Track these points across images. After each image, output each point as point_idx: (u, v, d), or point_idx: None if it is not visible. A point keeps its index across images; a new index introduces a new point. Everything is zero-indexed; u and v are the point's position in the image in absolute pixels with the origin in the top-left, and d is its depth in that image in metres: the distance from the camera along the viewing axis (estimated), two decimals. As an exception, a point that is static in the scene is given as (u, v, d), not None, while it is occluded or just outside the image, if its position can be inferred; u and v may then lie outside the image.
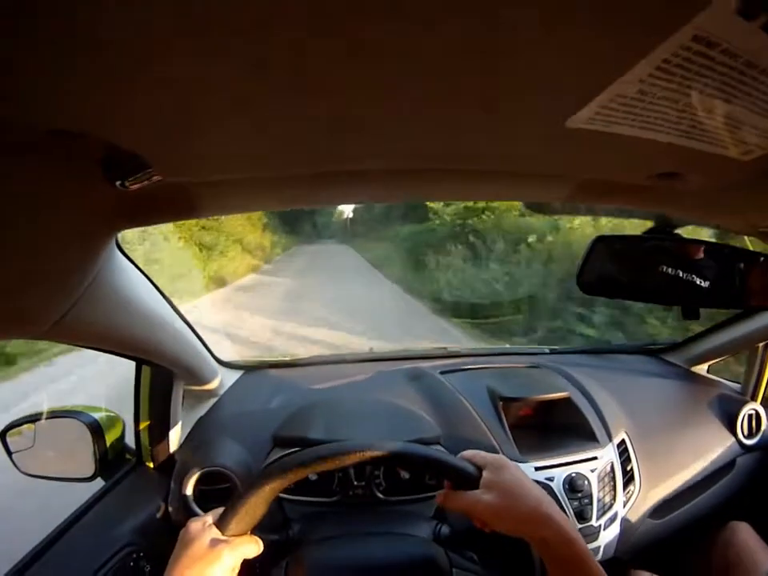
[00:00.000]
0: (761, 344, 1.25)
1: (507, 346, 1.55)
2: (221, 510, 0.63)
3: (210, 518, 0.62)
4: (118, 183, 0.38)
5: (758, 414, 1.23)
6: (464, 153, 0.43)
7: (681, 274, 0.65)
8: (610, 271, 0.66)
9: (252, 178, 0.47)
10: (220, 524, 0.60)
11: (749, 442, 1.21)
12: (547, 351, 1.44)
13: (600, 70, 0.27)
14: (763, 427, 1.23)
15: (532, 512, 0.59)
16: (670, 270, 0.66)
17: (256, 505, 0.62)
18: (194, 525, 0.61)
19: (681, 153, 0.39)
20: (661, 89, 0.29)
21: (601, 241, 0.65)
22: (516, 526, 0.59)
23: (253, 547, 0.60)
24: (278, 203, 0.62)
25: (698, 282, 0.64)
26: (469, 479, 0.63)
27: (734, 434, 1.20)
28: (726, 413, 1.22)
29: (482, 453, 0.67)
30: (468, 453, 0.68)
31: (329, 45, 0.24)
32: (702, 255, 0.64)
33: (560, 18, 0.23)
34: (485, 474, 0.63)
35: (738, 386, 1.34)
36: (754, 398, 1.28)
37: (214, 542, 0.58)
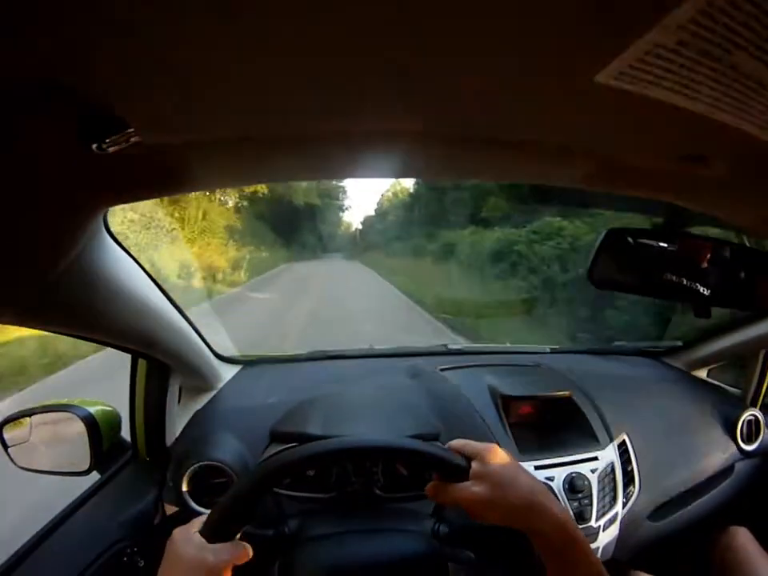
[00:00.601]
0: (762, 350, 1.26)
1: (508, 344, 1.52)
2: (205, 516, 0.61)
3: (194, 526, 0.60)
4: (95, 146, 0.35)
5: (757, 419, 1.23)
6: (474, 118, 0.39)
7: (692, 272, 0.64)
8: (622, 265, 0.66)
9: (238, 143, 0.43)
10: (204, 531, 0.58)
11: (748, 448, 1.21)
12: (548, 351, 1.44)
13: (635, 15, 0.24)
14: (762, 433, 1.23)
15: (524, 501, 0.58)
16: (681, 266, 0.65)
17: (240, 510, 0.60)
18: (180, 533, 0.59)
19: (711, 130, 0.35)
20: (702, 41, 0.25)
21: (612, 234, 0.64)
22: (508, 516, 0.58)
23: (240, 553, 0.58)
24: (266, 175, 0.57)
25: (710, 281, 0.64)
26: (457, 470, 0.62)
27: (734, 439, 1.20)
28: (726, 418, 1.22)
29: (472, 442, 0.65)
30: (456, 443, 0.66)
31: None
32: (715, 253, 0.63)
33: None
34: (474, 464, 0.62)
35: (738, 391, 1.34)
36: (753, 404, 1.28)
37: (200, 551, 0.56)
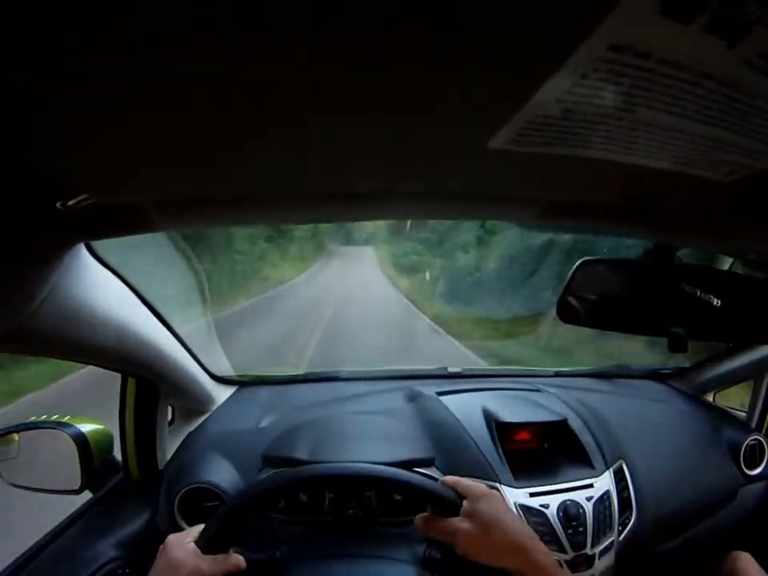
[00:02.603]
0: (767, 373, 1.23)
1: (511, 367, 1.51)
2: (201, 527, 0.64)
3: (189, 535, 0.63)
4: (58, 204, 0.38)
5: (761, 444, 1.20)
6: (411, 179, 0.42)
7: (670, 304, 0.62)
8: (595, 299, 0.64)
9: (194, 197, 0.45)
10: (200, 542, 0.61)
11: (751, 473, 1.18)
12: (551, 373, 1.42)
13: (507, 90, 0.24)
14: (766, 457, 1.20)
15: (510, 543, 0.59)
16: (658, 298, 0.63)
17: (234, 523, 0.63)
18: (174, 541, 0.62)
19: (654, 174, 0.35)
20: (592, 107, 0.25)
21: (586, 264, 0.62)
22: (494, 556, 0.60)
23: (232, 565, 0.61)
24: (229, 222, 0.61)
25: (692, 313, 0.61)
26: (449, 507, 0.64)
27: (737, 463, 1.17)
28: (730, 442, 1.19)
29: (464, 480, 0.67)
30: (450, 479, 0.68)
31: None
32: (696, 283, 0.61)
33: (450, 42, 0.20)
34: (465, 503, 0.64)
35: (745, 414, 1.31)
36: (759, 428, 1.25)
37: (193, 560, 0.59)
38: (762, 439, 1.20)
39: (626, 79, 0.22)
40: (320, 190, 0.45)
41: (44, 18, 0.18)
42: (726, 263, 0.77)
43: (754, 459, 1.19)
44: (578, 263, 0.63)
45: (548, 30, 0.19)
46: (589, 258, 0.63)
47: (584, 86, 0.23)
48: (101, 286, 0.61)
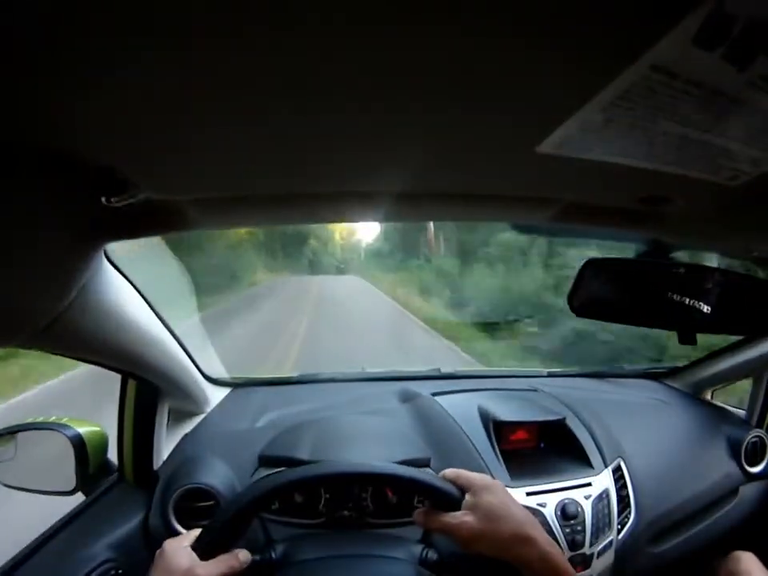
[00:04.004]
0: (766, 371, 1.22)
1: (504, 368, 1.51)
2: (198, 531, 0.63)
3: (186, 539, 0.62)
4: (103, 200, 0.40)
5: (762, 441, 1.19)
6: (442, 179, 0.44)
7: (676, 299, 0.64)
8: (603, 294, 0.65)
9: (238, 196, 0.48)
10: (197, 546, 0.60)
11: (753, 470, 1.17)
12: (545, 374, 1.41)
13: (562, 99, 0.28)
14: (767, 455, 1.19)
15: (514, 535, 0.59)
16: (665, 293, 0.65)
17: (232, 527, 0.62)
18: (171, 546, 0.61)
19: (665, 178, 0.39)
20: (627, 117, 0.29)
21: (592, 264, 0.64)
22: (497, 547, 0.59)
23: (229, 566, 0.60)
24: (268, 220, 0.63)
25: (694, 307, 0.63)
26: (451, 500, 0.63)
27: (738, 461, 1.16)
28: (730, 440, 1.19)
29: (466, 473, 0.66)
30: (450, 472, 0.67)
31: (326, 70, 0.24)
32: (698, 279, 0.63)
33: (517, 52, 0.23)
34: (467, 496, 0.63)
35: (744, 412, 1.30)
36: (759, 425, 1.24)
37: (190, 565, 0.58)
38: (763, 436, 1.19)
39: (657, 96, 0.27)
40: (365, 189, 0.47)
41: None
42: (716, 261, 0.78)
43: (755, 456, 1.18)
44: (584, 262, 0.64)
45: (604, 51, 0.23)
46: (594, 257, 0.65)
47: (625, 98, 0.27)
48: (118, 288, 0.63)
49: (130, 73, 0.24)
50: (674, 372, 1.41)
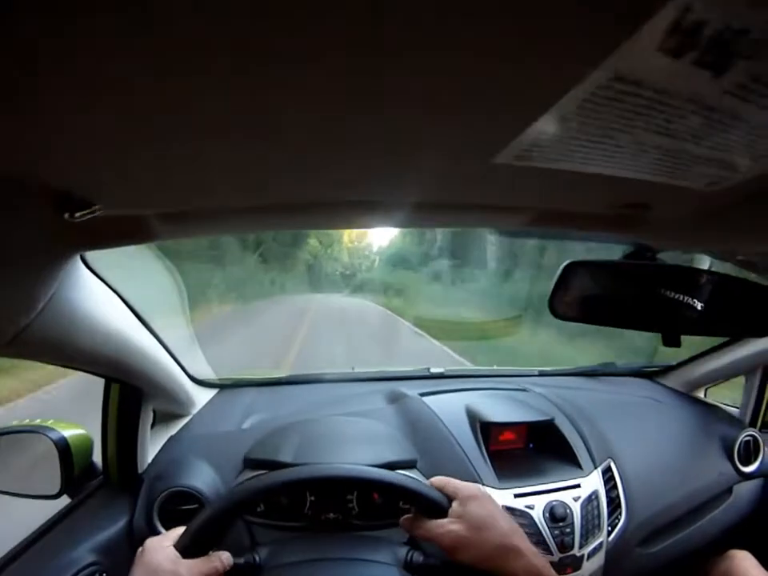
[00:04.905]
0: (759, 368, 1.21)
1: (495, 367, 1.50)
2: (180, 530, 0.64)
3: (168, 538, 0.62)
4: (66, 216, 0.40)
5: (756, 440, 1.18)
6: (410, 188, 0.43)
7: (660, 300, 0.63)
8: (585, 297, 0.64)
9: (201, 209, 0.48)
10: (179, 547, 0.60)
11: (746, 470, 1.16)
12: (536, 373, 1.40)
13: (518, 108, 0.26)
14: (762, 454, 1.18)
15: (500, 545, 0.58)
16: (649, 295, 0.64)
17: (213, 527, 0.63)
18: (152, 544, 0.61)
19: (642, 185, 0.38)
20: (592, 127, 0.28)
21: (573, 266, 0.63)
22: (482, 558, 0.58)
23: (212, 568, 0.60)
24: (236, 229, 0.63)
25: (679, 308, 0.62)
26: (438, 508, 0.63)
27: (731, 461, 1.16)
28: (723, 439, 1.18)
29: (454, 481, 0.66)
30: (439, 480, 0.67)
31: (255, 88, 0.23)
32: (683, 280, 0.62)
33: (470, 63, 0.22)
34: (454, 504, 0.63)
35: (737, 410, 1.29)
36: (753, 424, 1.24)
37: (172, 565, 0.58)
38: (756, 434, 1.18)
39: (622, 104, 0.25)
40: (322, 199, 0.46)
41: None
42: (705, 263, 0.77)
43: (748, 455, 1.17)
44: (564, 265, 0.64)
45: (560, 59, 0.21)
46: (574, 260, 0.64)
47: (586, 109, 0.25)
48: (94, 294, 0.63)
49: (78, 100, 0.24)
50: (666, 370, 1.41)
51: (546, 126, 0.27)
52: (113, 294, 0.70)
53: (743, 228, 0.47)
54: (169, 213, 0.48)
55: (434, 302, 11.70)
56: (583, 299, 0.65)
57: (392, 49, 0.20)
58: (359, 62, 0.21)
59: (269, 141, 0.30)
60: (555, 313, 0.64)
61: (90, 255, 0.61)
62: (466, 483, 0.66)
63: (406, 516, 0.66)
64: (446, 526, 0.60)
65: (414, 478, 0.69)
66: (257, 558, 0.78)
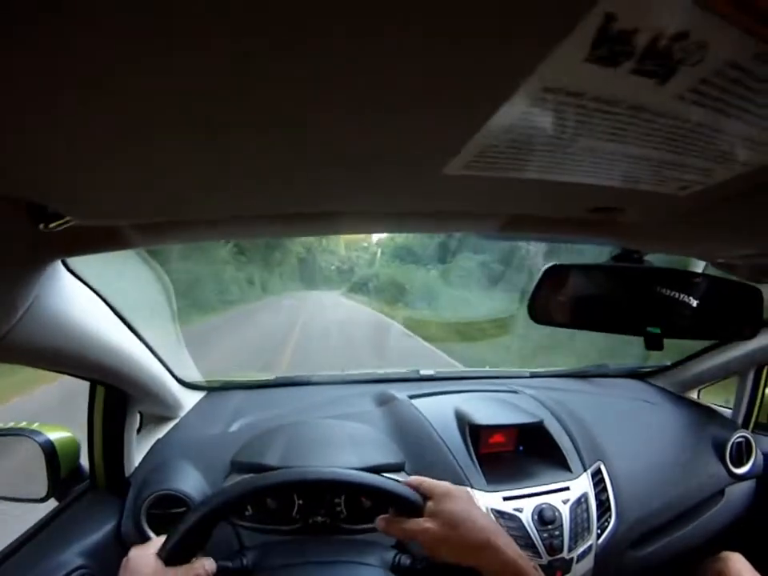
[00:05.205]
0: (752, 368, 1.21)
1: (485, 369, 1.50)
2: (164, 537, 0.63)
3: (152, 547, 0.62)
4: (41, 226, 0.40)
5: (748, 441, 1.18)
6: (372, 200, 0.43)
7: (645, 304, 0.62)
8: (565, 301, 0.64)
9: (175, 220, 0.48)
10: (162, 555, 0.60)
11: (738, 471, 1.16)
12: (527, 375, 1.40)
13: (458, 123, 0.26)
14: (754, 455, 1.18)
15: (477, 541, 0.58)
16: (631, 299, 0.64)
17: (195, 534, 0.62)
18: (136, 554, 0.60)
19: (611, 191, 0.37)
20: (537, 137, 0.27)
21: (553, 270, 0.62)
22: (461, 555, 0.59)
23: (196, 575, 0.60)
24: (209, 238, 0.63)
25: (663, 312, 0.62)
26: (412, 507, 0.63)
27: (724, 462, 1.16)
28: (715, 440, 1.18)
29: (428, 480, 0.66)
30: (414, 479, 0.67)
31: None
32: (667, 283, 0.62)
33: (403, 81, 0.21)
34: (430, 503, 0.63)
35: (731, 411, 1.29)
36: (745, 425, 1.23)
37: (155, 573, 0.58)
38: (748, 436, 1.18)
39: (564, 114, 0.24)
40: (287, 210, 0.46)
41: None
42: (695, 265, 0.76)
43: (740, 457, 1.17)
44: (545, 268, 0.64)
45: (490, 70, 0.21)
46: (556, 263, 0.63)
47: (527, 119, 0.25)
48: (76, 298, 0.62)
49: (43, 115, 0.23)
50: (659, 371, 1.41)
51: (488, 138, 0.27)
52: (97, 298, 0.70)
53: (720, 230, 0.47)
54: (144, 223, 0.48)
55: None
56: (565, 304, 0.64)
57: (339, 61, 0.20)
58: (314, 72, 0.21)
59: (229, 152, 0.30)
60: (535, 318, 0.63)
61: (73, 260, 0.61)
62: (440, 482, 0.66)
63: (381, 516, 0.66)
64: (422, 524, 0.61)
65: (390, 479, 0.69)
66: (245, 562, 0.78)
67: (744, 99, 0.23)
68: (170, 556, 0.60)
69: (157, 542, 0.63)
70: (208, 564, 0.62)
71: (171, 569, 0.59)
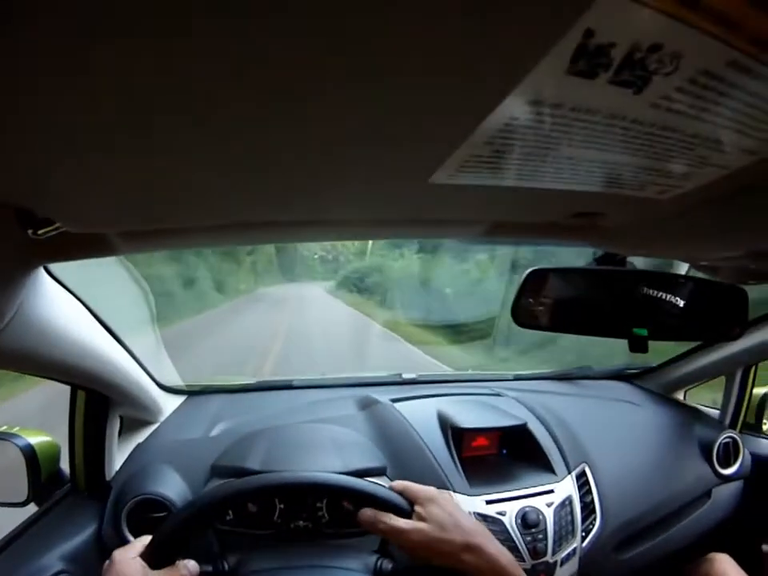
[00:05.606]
0: (739, 369, 1.21)
1: (469, 372, 1.50)
2: (145, 539, 0.63)
3: (134, 549, 0.62)
4: (30, 232, 0.40)
5: (735, 442, 1.17)
6: (356, 207, 0.44)
7: (629, 306, 0.62)
8: (548, 305, 0.64)
9: (161, 228, 0.48)
10: (145, 557, 0.60)
11: (725, 472, 1.16)
12: (511, 377, 1.39)
13: (445, 134, 0.26)
14: (741, 456, 1.18)
15: (464, 543, 0.59)
16: (614, 301, 0.64)
17: (178, 536, 0.63)
18: (119, 557, 0.60)
19: (591, 196, 0.37)
20: (519, 147, 0.28)
21: (535, 274, 0.62)
22: (447, 557, 0.59)
23: None
24: (198, 245, 0.63)
25: (647, 314, 0.62)
26: (400, 513, 0.63)
27: (710, 463, 1.15)
28: (702, 441, 1.17)
29: (412, 485, 0.67)
30: (398, 485, 0.67)
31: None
32: (652, 285, 0.62)
33: (390, 100, 0.22)
34: (417, 507, 0.63)
35: (718, 412, 1.29)
36: (733, 426, 1.23)
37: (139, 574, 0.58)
38: (735, 437, 1.18)
39: (545, 124, 0.25)
40: (275, 217, 0.47)
41: None
42: (678, 267, 0.76)
43: (728, 458, 1.17)
44: (527, 272, 0.63)
45: (476, 84, 0.21)
46: (538, 267, 0.63)
47: (510, 130, 0.25)
48: (58, 303, 0.63)
49: (30, 121, 0.23)
50: (646, 372, 1.40)
51: (472, 148, 0.27)
52: (78, 303, 0.69)
53: (702, 233, 0.47)
54: (132, 231, 0.49)
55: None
56: (549, 307, 0.64)
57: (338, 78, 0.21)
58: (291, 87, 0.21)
59: (216, 160, 0.30)
60: (519, 321, 0.63)
61: (54, 265, 0.61)
62: (423, 487, 0.67)
63: (365, 509, 0.65)
64: (413, 524, 0.61)
65: (378, 484, 0.69)
66: (225, 566, 0.78)
67: (717, 105, 0.23)
68: (154, 558, 0.60)
69: (139, 544, 0.63)
70: (191, 566, 0.63)
71: (156, 572, 0.59)
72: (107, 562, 0.61)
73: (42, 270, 0.57)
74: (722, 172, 0.31)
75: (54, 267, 0.61)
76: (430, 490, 0.67)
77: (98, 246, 0.51)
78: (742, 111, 0.24)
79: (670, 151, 0.29)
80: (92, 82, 0.20)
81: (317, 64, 0.19)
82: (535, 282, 0.62)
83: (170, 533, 0.63)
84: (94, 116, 0.23)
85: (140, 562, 0.59)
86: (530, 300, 0.62)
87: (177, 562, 0.62)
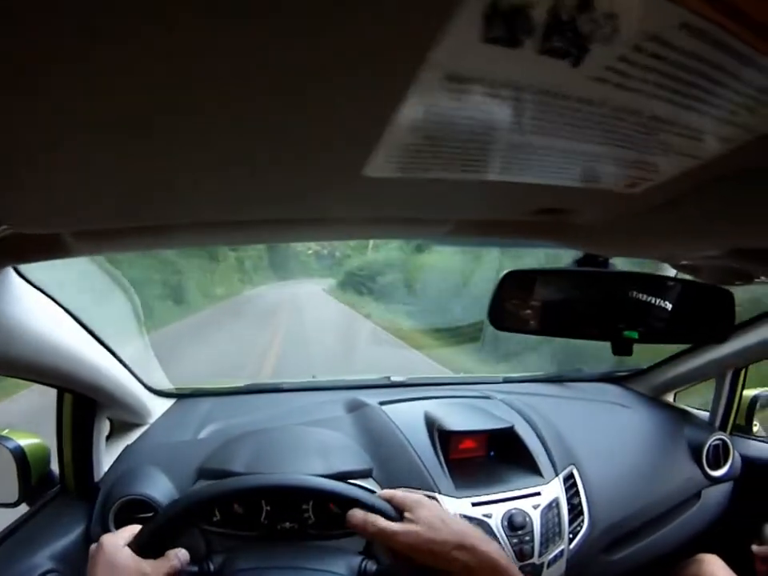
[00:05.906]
0: (729, 371, 1.21)
1: (458, 375, 1.50)
2: (133, 528, 0.64)
3: (122, 537, 0.62)
4: None
5: (725, 443, 1.18)
6: (297, 207, 0.41)
7: (610, 309, 0.62)
8: (525, 307, 0.63)
9: (118, 227, 0.46)
10: (134, 546, 0.61)
11: (715, 474, 1.16)
12: (500, 380, 1.39)
13: (362, 119, 0.23)
14: (731, 458, 1.18)
15: (456, 543, 0.59)
16: (595, 303, 0.63)
17: (169, 528, 0.64)
18: (110, 541, 0.61)
19: (553, 190, 0.34)
20: (452, 132, 0.24)
21: (512, 276, 0.62)
22: (439, 557, 0.59)
23: (173, 568, 0.61)
24: (163, 245, 0.62)
25: (631, 317, 0.61)
26: (386, 518, 0.63)
27: (700, 465, 1.16)
28: (691, 443, 1.18)
29: (398, 493, 0.66)
30: (385, 493, 0.67)
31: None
32: (635, 287, 0.61)
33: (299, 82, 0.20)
34: (406, 513, 0.63)
35: (707, 414, 1.29)
36: (723, 428, 1.23)
37: (136, 564, 0.59)
38: (725, 438, 1.18)
39: (474, 105, 0.21)
40: (225, 217, 0.45)
41: None
42: (661, 269, 0.76)
43: (717, 459, 1.17)
44: (503, 274, 0.63)
45: (382, 59, 0.18)
46: (514, 269, 0.63)
47: (435, 113, 0.22)
48: (32, 305, 0.62)
49: None
50: (635, 375, 1.40)
51: (400, 135, 0.24)
52: (55, 305, 0.69)
53: (678, 230, 0.44)
54: (89, 230, 0.46)
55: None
56: (526, 309, 0.63)
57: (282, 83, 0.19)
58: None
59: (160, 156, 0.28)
60: (496, 324, 0.63)
61: (26, 267, 0.60)
62: (409, 493, 0.67)
63: (356, 511, 0.64)
64: (404, 526, 0.61)
65: (363, 489, 0.69)
66: (211, 566, 0.78)
67: (675, 80, 0.20)
68: (144, 548, 0.61)
69: (126, 533, 0.64)
70: (182, 554, 0.63)
71: (150, 561, 0.60)
72: (94, 545, 0.61)
73: (10, 273, 0.57)
74: (694, 162, 0.28)
75: (27, 270, 0.61)
76: (416, 495, 0.67)
77: (57, 247, 0.49)
78: (706, 89, 0.21)
79: (630, 137, 0.25)
80: (27, 79, 0.18)
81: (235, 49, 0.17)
82: (512, 284, 0.62)
83: (162, 524, 0.64)
84: (30, 112, 0.21)
85: (129, 550, 0.60)
86: (507, 302, 0.62)
87: (167, 552, 0.63)
